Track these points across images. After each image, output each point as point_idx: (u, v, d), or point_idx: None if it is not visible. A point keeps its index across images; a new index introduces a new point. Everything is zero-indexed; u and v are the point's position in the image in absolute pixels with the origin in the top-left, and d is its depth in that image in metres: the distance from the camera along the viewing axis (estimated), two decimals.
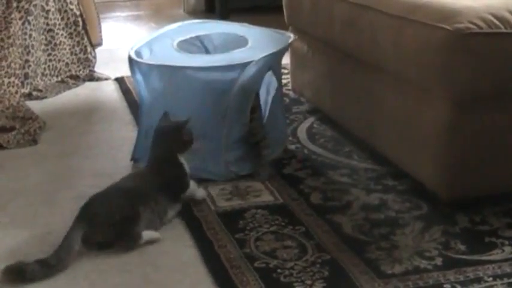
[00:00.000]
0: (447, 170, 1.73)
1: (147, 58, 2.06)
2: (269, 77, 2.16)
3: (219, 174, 2.01)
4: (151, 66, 2.02)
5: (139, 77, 2.04)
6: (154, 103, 2.05)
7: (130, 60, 2.02)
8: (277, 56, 2.09)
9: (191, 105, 1.98)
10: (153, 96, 2.05)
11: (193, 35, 2.25)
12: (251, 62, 1.96)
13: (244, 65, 1.96)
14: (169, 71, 2.01)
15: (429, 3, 1.76)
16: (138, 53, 2.06)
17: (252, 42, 2.13)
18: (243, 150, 2.05)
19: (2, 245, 1.71)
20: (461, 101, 1.68)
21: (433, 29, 1.67)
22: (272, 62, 2.06)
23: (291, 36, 2.20)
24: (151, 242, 1.67)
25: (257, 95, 2.06)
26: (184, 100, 1.99)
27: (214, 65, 2.00)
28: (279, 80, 2.20)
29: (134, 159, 2.15)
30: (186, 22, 2.36)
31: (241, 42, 2.14)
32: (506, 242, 1.62)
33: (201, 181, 2.00)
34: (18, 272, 1.52)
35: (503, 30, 1.62)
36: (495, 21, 1.62)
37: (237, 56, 2.05)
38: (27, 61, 2.93)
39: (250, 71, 1.96)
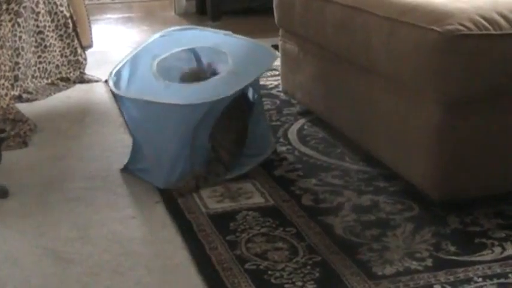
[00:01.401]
0: (438, 172, 1.74)
1: (124, 85, 2.05)
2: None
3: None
4: (126, 98, 2.04)
5: (121, 101, 2.08)
6: (135, 129, 2.10)
7: (112, 92, 2.07)
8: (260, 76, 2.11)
9: (164, 136, 1.98)
10: (133, 123, 2.09)
11: (174, 50, 2.18)
12: (224, 98, 1.94)
13: (217, 102, 1.94)
14: (143, 104, 2.00)
15: (420, 5, 1.77)
16: (118, 73, 2.07)
17: (232, 64, 2.06)
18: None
19: None
20: (452, 102, 1.68)
21: (423, 30, 1.68)
22: (254, 84, 2.09)
23: (274, 55, 2.14)
24: None
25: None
26: (157, 130, 2.00)
27: (187, 102, 1.95)
28: (258, 91, 2.21)
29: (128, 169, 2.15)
30: (169, 30, 2.28)
31: (221, 59, 2.10)
32: (496, 243, 1.63)
33: None
34: None
35: (493, 31, 1.62)
36: (484, 23, 1.62)
37: (212, 85, 2.00)
38: (17, 63, 2.92)
39: (222, 103, 1.96)
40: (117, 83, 2.05)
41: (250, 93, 2.19)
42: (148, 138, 2.04)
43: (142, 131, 2.06)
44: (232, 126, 2.06)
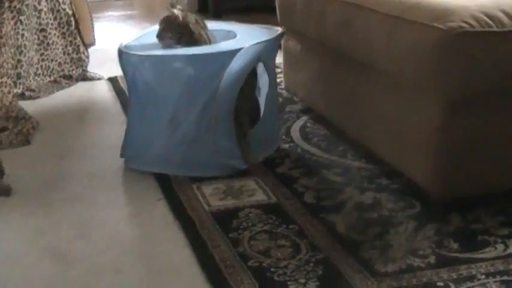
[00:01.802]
0: (440, 169, 1.74)
1: (137, 50, 2.07)
2: (261, 73, 2.16)
3: (210, 169, 2.02)
4: (142, 57, 2.03)
5: (128, 69, 2.05)
6: (145, 96, 2.06)
7: (120, 53, 2.03)
8: (267, 46, 2.09)
9: (180, 97, 1.99)
10: (144, 88, 2.06)
11: None
12: (240, 49, 1.97)
13: (233, 52, 1.96)
14: (159, 61, 2.03)
15: (422, 2, 1.76)
16: (128, 47, 2.07)
17: (240, 35, 2.14)
18: (234, 143, 2.05)
19: None
20: (454, 100, 1.68)
21: (426, 28, 1.67)
22: (262, 52, 2.06)
23: (280, 29, 2.21)
24: None
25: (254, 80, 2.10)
26: (173, 92, 2.00)
27: (203, 52, 2.01)
28: (273, 78, 2.20)
29: (125, 156, 2.15)
30: None
31: (229, 36, 2.15)
32: (499, 240, 1.63)
33: (194, 180, 2.00)
34: None
35: (496, 29, 1.62)
36: (487, 20, 1.62)
37: (225, 46, 2.06)
38: (19, 61, 2.93)
39: (239, 59, 1.97)
40: (129, 48, 2.06)
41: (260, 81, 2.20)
42: (167, 100, 2.02)
43: (159, 93, 2.04)
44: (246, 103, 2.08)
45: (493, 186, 1.79)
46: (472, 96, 1.68)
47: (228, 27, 2.24)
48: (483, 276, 1.49)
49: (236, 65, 1.96)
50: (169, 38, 2.07)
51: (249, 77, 2.06)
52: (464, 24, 1.60)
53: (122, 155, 2.15)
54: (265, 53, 2.10)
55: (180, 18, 2.07)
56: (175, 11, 2.09)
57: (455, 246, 1.61)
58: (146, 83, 2.04)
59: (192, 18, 2.10)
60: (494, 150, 1.74)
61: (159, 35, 2.08)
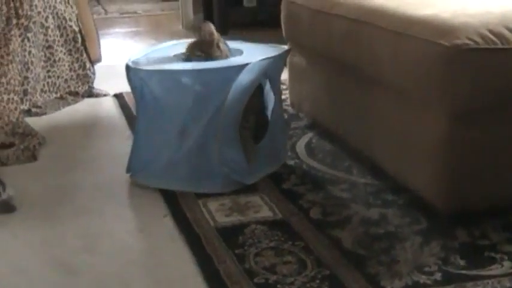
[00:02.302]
0: (445, 184, 1.74)
1: (145, 65, 2.09)
2: (267, 91, 2.18)
3: (216, 185, 2.02)
4: (150, 72, 2.05)
5: (136, 85, 2.06)
6: (153, 110, 2.08)
7: (128, 69, 2.05)
8: (274, 62, 2.11)
9: (189, 111, 2.01)
10: (152, 103, 2.07)
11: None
12: (248, 64, 1.99)
13: (241, 67, 1.98)
14: (167, 76, 2.05)
15: (427, 18, 1.77)
16: (135, 63, 2.09)
17: (247, 52, 2.16)
18: (240, 156, 2.05)
19: (2, 260, 1.71)
20: (459, 114, 1.68)
21: (430, 44, 1.68)
22: (268, 68, 2.08)
23: (286, 47, 2.23)
24: None
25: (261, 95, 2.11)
26: (181, 105, 2.02)
27: (210, 67, 2.04)
28: (279, 95, 2.21)
29: (131, 171, 2.15)
30: (181, 40, 2.39)
31: (236, 53, 2.17)
32: (506, 257, 1.62)
33: (199, 195, 2.01)
34: None
35: (500, 46, 1.63)
36: (492, 37, 1.63)
37: (232, 61, 2.09)
38: (26, 78, 2.94)
39: (246, 74, 1.98)
40: (136, 64, 2.08)
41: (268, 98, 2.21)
42: (175, 115, 2.04)
43: (167, 108, 2.06)
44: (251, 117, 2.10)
45: (500, 200, 1.79)
46: (477, 110, 1.68)
47: (235, 46, 2.26)
48: None
49: (243, 79, 1.98)
50: (197, 56, 2.09)
51: (256, 94, 2.07)
52: (468, 41, 1.61)
53: (127, 171, 2.16)
54: (272, 69, 2.11)
55: (214, 39, 2.11)
56: (209, 30, 2.12)
57: (461, 262, 1.60)
58: (154, 97, 2.06)
59: (220, 38, 2.14)
60: (501, 163, 1.74)
61: (187, 59, 2.11)
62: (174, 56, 2.18)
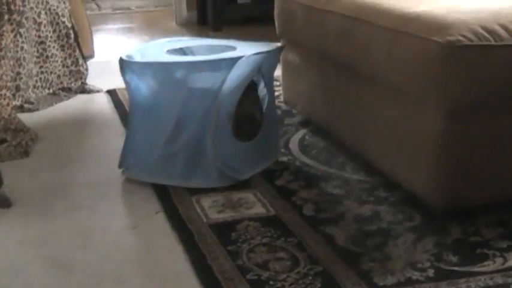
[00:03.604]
0: (440, 180, 1.74)
1: (138, 59, 2.09)
2: (261, 90, 2.18)
3: (210, 180, 2.02)
4: (144, 65, 2.05)
5: (130, 78, 2.06)
6: (147, 103, 2.08)
7: (122, 62, 2.05)
8: (268, 57, 2.11)
9: (183, 104, 2.01)
10: (146, 96, 2.07)
11: (182, 45, 2.29)
12: (241, 57, 1.99)
13: (234, 60, 1.99)
14: (161, 68, 2.05)
15: (421, 16, 1.77)
16: (129, 57, 2.09)
17: (240, 49, 2.16)
18: (234, 151, 2.06)
19: None
20: (453, 111, 1.69)
21: (425, 41, 1.68)
22: (262, 63, 2.08)
23: (279, 44, 2.23)
24: None
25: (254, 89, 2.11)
26: (176, 98, 2.02)
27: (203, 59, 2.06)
28: (272, 91, 2.21)
29: (123, 166, 2.15)
30: (174, 38, 2.41)
31: (229, 50, 2.17)
32: (498, 254, 1.62)
33: (193, 192, 2.00)
34: None
35: (493, 42, 1.63)
36: (485, 34, 1.63)
37: (226, 55, 2.09)
38: (18, 73, 2.93)
39: (240, 67, 1.99)
40: (131, 58, 2.08)
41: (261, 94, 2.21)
42: (167, 109, 2.04)
43: (160, 102, 2.06)
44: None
45: (493, 197, 1.79)
46: (471, 107, 1.69)
47: (228, 43, 2.26)
48: None
49: (236, 73, 1.98)
50: None
51: (249, 91, 2.07)
52: (462, 38, 1.61)
53: (120, 166, 2.16)
54: (265, 64, 2.11)
55: None
56: None
57: (454, 259, 1.61)
58: (148, 90, 2.06)
59: None
60: (494, 160, 1.74)
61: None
62: (168, 51, 2.18)
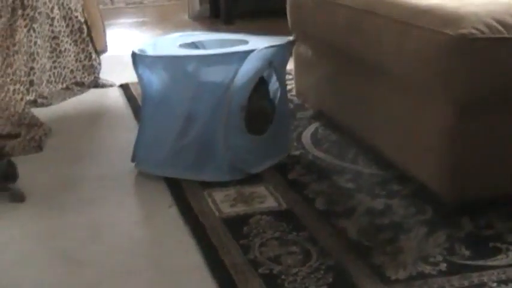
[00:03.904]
0: (450, 172, 1.73)
1: (151, 52, 2.10)
2: (273, 83, 2.18)
3: (221, 173, 2.02)
4: (155, 58, 2.07)
5: (143, 72, 2.08)
6: (159, 97, 2.09)
7: (134, 55, 2.06)
8: (279, 51, 2.10)
9: (195, 96, 2.02)
10: (158, 89, 2.08)
11: (194, 40, 2.30)
12: (253, 50, 1.99)
13: (246, 53, 1.99)
14: (173, 62, 2.07)
15: (433, 8, 1.76)
16: (142, 51, 2.10)
17: (252, 43, 2.16)
18: (245, 144, 2.06)
19: (9, 250, 1.72)
20: (464, 104, 1.68)
21: (436, 34, 1.67)
22: (273, 57, 2.08)
23: (291, 38, 2.23)
24: None
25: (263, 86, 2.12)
26: (188, 91, 2.02)
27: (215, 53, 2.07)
28: (283, 85, 2.20)
29: (136, 159, 2.16)
30: (187, 32, 2.43)
31: (241, 44, 2.18)
32: (511, 247, 1.62)
33: (205, 186, 2.01)
34: None
35: (506, 35, 1.62)
36: (498, 26, 1.62)
37: (238, 49, 2.10)
38: (32, 68, 2.95)
39: (251, 60, 1.99)
40: (143, 52, 2.09)
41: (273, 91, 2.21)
42: (180, 102, 2.05)
43: (172, 95, 2.07)
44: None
45: (504, 189, 1.78)
46: (482, 100, 1.68)
47: (240, 37, 2.26)
48: (495, 284, 1.48)
49: (248, 66, 1.98)
50: None
51: (260, 84, 2.07)
52: (474, 31, 1.60)
53: (132, 159, 2.17)
54: (277, 58, 2.11)
55: None
56: None
57: (466, 253, 1.60)
58: (160, 83, 2.07)
59: None
60: (505, 153, 1.73)
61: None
62: (180, 45, 2.19)
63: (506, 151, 1.73)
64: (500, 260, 1.57)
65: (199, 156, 2.05)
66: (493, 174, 1.74)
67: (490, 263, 1.56)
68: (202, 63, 2.03)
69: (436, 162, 1.76)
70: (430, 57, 1.70)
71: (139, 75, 2.09)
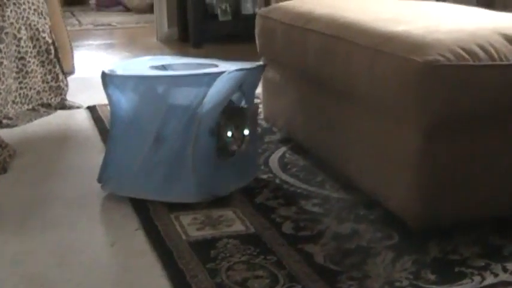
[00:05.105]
0: (418, 199, 1.75)
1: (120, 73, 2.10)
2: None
3: (189, 195, 2.02)
4: (126, 79, 2.07)
5: (112, 92, 2.07)
6: (128, 117, 2.09)
7: (104, 75, 2.05)
8: (249, 74, 2.12)
9: (164, 117, 2.02)
10: (127, 109, 2.08)
11: (164, 63, 2.30)
12: (223, 72, 2.00)
13: (216, 75, 2.00)
14: (143, 81, 2.07)
15: (400, 35, 1.79)
16: (112, 71, 2.09)
17: (222, 66, 2.17)
18: (213, 167, 2.06)
19: None
20: (432, 129, 1.70)
21: (404, 60, 1.70)
22: (243, 80, 2.09)
23: (261, 63, 2.24)
24: None
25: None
26: (157, 112, 2.02)
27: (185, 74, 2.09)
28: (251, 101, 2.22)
29: (102, 180, 2.14)
30: (157, 56, 2.45)
31: (211, 67, 2.18)
32: (476, 272, 1.63)
33: (172, 209, 1.99)
34: None
35: (471, 62, 1.65)
36: (463, 54, 1.65)
37: (208, 70, 2.11)
38: None
39: (221, 82, 1.99)
40: (113, 72, 2.08)
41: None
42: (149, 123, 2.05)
43: (141, 115, 2.07)
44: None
45: (472, 215, 1.80)
46: (450, 125, 1.70)
47: (211, 62, 2.27)
48: None
49: (218, 88, 1.99)
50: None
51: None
52: (440, 58, 1.63)
53: (99, 180, 2.15)
54: (247, 82, 2.12)
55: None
56: None
57: (432, 277, 1.61)
58: (130, 104, 2.07)
59: None
60: (473, 178, 1.76)
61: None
62: (151, 67, 2.19)
63: (474, 177, 1.75)
64: (465, 284, 1.58)
65: (167, 177, 2.04)
66: (460, 199, 1.76)
67: (455, 287, 1.57)
68: (173, 84, 2.03)
69: (403, 187, 1.78)
70: (398, 83, 1.72)
71: (108, 96, 2.08)
